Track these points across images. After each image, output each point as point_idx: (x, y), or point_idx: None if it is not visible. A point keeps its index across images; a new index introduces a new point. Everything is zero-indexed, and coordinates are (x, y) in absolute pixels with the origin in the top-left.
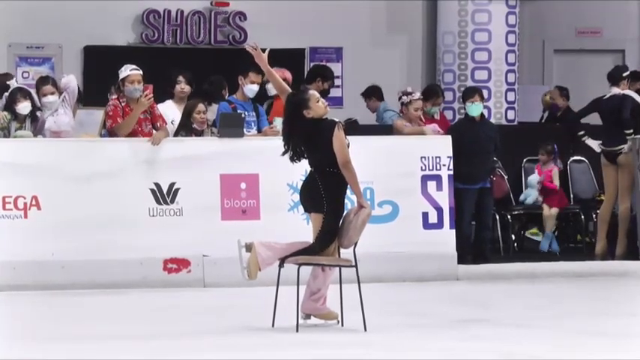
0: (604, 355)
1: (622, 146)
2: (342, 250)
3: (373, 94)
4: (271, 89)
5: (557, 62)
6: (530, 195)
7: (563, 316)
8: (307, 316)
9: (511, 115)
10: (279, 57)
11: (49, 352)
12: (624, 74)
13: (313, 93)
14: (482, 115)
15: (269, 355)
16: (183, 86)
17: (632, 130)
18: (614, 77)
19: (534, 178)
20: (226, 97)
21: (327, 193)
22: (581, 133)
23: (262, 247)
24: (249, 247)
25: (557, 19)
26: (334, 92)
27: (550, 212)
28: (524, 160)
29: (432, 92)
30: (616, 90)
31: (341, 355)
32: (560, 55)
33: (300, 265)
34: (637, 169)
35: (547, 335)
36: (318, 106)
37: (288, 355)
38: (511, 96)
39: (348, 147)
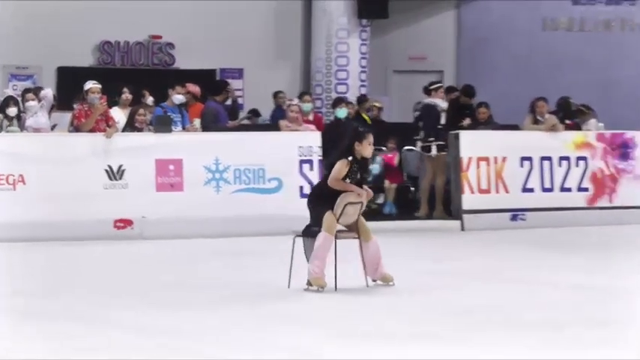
0: (422, 289)
1: (432, 140)
2: None
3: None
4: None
5: (395, 80)
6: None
7: (401, 260)
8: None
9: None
10: (197, 75)
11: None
12: (431, 87)
13: (370, 137)
14: (347, 117)
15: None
16: (127, 96)
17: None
18: (426, 89)
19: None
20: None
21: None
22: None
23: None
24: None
25: (395, 49)
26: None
27: (390, 186)
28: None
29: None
30: (427, 99)
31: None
32: (398, 75)
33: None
34: (449, 156)
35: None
36: (365, 147)
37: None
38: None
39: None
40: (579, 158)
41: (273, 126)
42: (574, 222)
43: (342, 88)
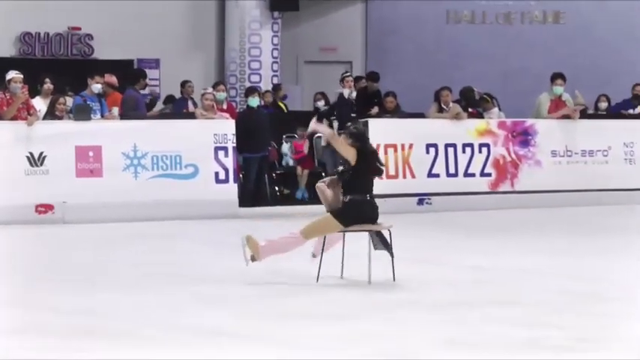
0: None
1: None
2: None
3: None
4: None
5: (306, 70)
6: (288, 161)
7: (314, 240)
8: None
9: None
10: (116, 65)
11: None
12: (341, 77)
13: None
14: (259, 105)
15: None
16: (49, 86)
17: (333, 118)
18: (340, 80)
19: (286, 147)
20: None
21: None
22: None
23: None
24: (248, 240)
25: (306, 41)
26: (154, 90)
27: (303, 172)
28: (284, 135)
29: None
30: (340, 89)
31: None
32: (309, 65)
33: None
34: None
35: (302, 254)
36: (347, 149)
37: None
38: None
39: None
40: (482, 145)
41: (189, 115)
42: (477, 206)
43: (255, 78)
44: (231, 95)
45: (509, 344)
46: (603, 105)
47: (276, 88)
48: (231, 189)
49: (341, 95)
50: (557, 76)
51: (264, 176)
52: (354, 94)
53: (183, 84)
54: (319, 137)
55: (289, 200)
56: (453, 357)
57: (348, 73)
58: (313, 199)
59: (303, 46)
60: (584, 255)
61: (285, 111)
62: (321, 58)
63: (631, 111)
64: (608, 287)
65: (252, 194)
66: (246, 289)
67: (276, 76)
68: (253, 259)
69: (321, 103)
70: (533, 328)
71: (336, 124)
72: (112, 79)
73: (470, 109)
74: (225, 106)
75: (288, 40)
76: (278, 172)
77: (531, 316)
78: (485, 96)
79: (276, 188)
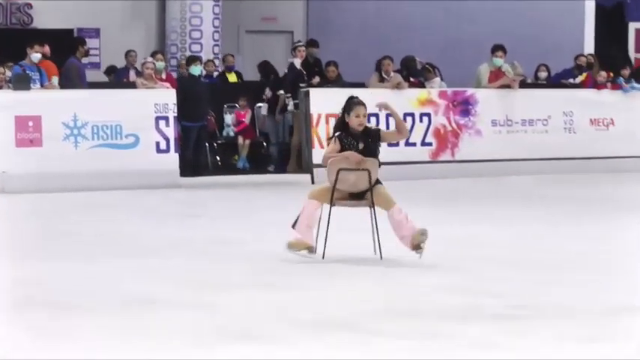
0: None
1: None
2: None
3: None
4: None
5: (247, 39)
6: (229, 131)
7: (255, 209)
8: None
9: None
10: (55, 35)
11: None
12: (293, 46)
13: (360, 109)
14: (200, 74)
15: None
16: None
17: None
18: (292, 49)
19: (229, 118)
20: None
21: None
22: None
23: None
24: (292, 245)
25: (247, 10)
26: (94, 59)
27: (244, 143)
28: (225, 105)
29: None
30: (291, 59)
31: None
32: (250, 35)
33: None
34: (302, 115)
35: (244, 223)
36: (353, 119)
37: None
38: (217, 62)
39: None
40: (423, 114)
41: (130, 84)
42: (419, 175)
43: (196, 47)
44: (172, 65)
45: (447, 312)
46: (543, 75)
47: (225, 58)
48: (172, 159)
49: (292, 65)
50: (497, 48)
51: (204, 146)
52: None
53: (127, 53)
54: (260, 107)
55: (230, 170)
56: (392, 326)
57: (301, 43)
58: (255, 168)
59: (244, 16)
60: (523, 224)
61: (238, 81)
62: (262, 27)
63: (572, 80)
64: (546, 255)
65: (190, 163)
66: (188, 259)
67: (217, 45)
68: (310, 250)
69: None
70: (472, 296)
71: (290, 102)
72: (45, 49)
73: (411, 79)
74: (164, 76)
75: (230, 9)
76: (219, 141)
77: (470, 284)
78: (427, 66)
79: (217, 157)
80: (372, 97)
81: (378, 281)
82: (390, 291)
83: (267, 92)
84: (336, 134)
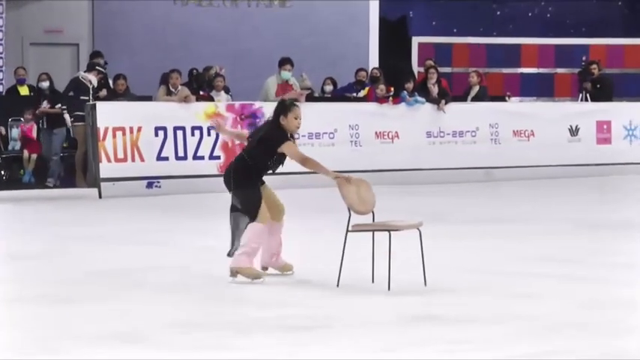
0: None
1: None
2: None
3: None
4: None
5: (32, 52)
6: (14, 145)
7: (40, 226)
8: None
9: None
10: None
11: None
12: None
13: (297, 110)
14: None
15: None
16: None
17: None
18: (88, 66)
19: (16, 131)
20: None
21: (235, 175)
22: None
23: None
24: (234, 273)
25: (31, 22)
26: None
27: (31, 156)
28: (10, 119)
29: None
30: (78, 73)
31: None
32: (34, 47)
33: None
34: (87, 127)
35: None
36: (291, 121)
37: None
38: (0, 75)
39: None
40: (211, 128)
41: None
42: (206, 189)
43: None
44: None
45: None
46: (328, 88)
47: (16, 71)
48: None
49: (76, 78)
50: (285, 62)
51: None
52: (95, 80)
53: None
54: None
55: (15, 184)
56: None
57: (102, 64)
58: (41, 183)
59: (28, 28)
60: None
61: (30, 94)
62: (46, 40)
63: (355, 94)
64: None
65: None
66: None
67: (1, 57)
68: (258, 276)
69: (45, 84)
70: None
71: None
72: None
73: (201, 92)
74: None
75: (13, 21)
76: (4, 156)
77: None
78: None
79: (2, 172)
80: (159, 110)
81: (166, 294)
82: (194, 298)
83: (45, 105)
84: (289, 135)
